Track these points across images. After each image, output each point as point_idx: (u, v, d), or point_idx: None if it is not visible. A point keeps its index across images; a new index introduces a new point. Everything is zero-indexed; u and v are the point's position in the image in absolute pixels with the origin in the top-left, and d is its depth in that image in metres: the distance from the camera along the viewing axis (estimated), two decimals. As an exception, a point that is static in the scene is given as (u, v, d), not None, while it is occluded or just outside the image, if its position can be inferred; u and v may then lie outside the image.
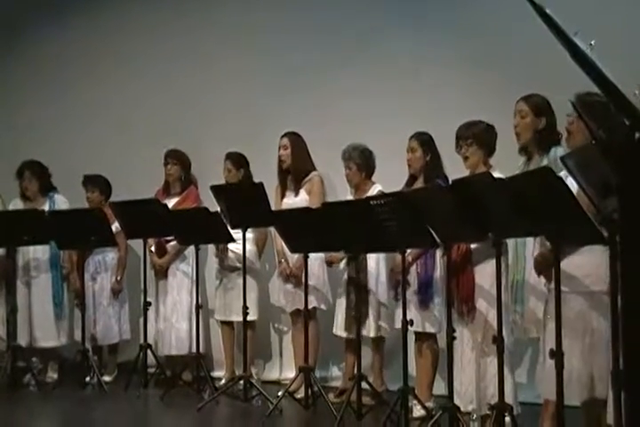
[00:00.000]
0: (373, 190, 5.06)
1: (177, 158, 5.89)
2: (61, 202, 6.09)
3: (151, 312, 5.72)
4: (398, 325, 4.37)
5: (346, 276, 5.06)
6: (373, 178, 5.17)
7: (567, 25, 2.04)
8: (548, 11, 2.00)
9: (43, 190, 6.10)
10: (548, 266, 3.27)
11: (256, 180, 5.35)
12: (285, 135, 5.48)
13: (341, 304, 5.10)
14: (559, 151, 3.87)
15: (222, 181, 5.64)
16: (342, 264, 5.15)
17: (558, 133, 3.97)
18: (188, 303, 5.68)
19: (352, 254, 4.79)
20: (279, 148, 5.47)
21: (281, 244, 5.25)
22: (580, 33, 1.97)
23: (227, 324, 5.70)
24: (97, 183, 6.07)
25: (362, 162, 5.10)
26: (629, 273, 2.10)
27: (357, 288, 4.81)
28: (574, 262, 3.29)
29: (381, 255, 5.01)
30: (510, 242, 3.97)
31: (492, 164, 4.10)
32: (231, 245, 5.49)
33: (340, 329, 5.11)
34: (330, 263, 5.22)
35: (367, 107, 5.61)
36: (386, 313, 5.01)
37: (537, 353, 4.19)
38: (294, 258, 5.29)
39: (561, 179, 2.76)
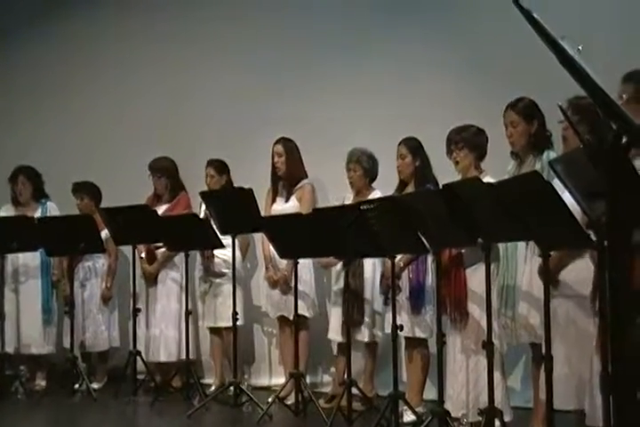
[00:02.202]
0: (373, 196, 5.05)
1: (160, 171, 5.85)
2: (53, 209, 6.06)
3: (141, 319, 5.70)
4: (388, 330, 4.36)
5: (341, 281, 5.05)
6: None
7: (555, 29, 2.04)
8: (535, 15, 2.00)
9: (36, 196, 6.07)
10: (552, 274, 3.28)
11: (241, 184, 5.33)
12: (279, 142, 5.45)
13: (337, 309, 5.09)
14: (551, 155, 3.88)
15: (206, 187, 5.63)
16: (338, 268, 5.12)
17: (549, 133, 3.97)
18: (177, 311, 5.66)
19: (347, 260, 4.78)
20: (273, 154, 5.45)
21: (269, 249, 5.24)
22: (568, 37, 1.97)
23: (215, 330, 5.68)
24: (86, 190, 6.05)
25: (369, 167, 5.07)
26: (617, 277, 2.10)
27: (351, 294, 4.80)
28: (568, 268, 3.30)
29: (377, 261, 4.97)
30: (501, 247, 3.97)
31: (483, 168, 4.11)
32: (216, 252, 5.48)
33: (335, 333, 5.07)
34: (326, 266, 5.21)
35: (357, 111, 5.62)
36: (380, 321, 4.99)
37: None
38: (283, 264, 5.28)
39: (549, 183, 2.76)
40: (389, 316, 4.41)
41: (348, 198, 5.19)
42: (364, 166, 5.06)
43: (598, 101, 2.16)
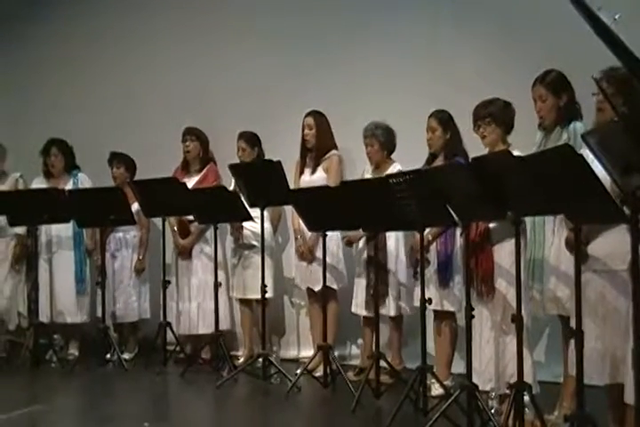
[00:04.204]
0: (393, 169, 5.02)
1: (195, 135, 5.88)
2: (85, 181, 6.12)
3: (172, 292, 5.74)
4: (417, 303, 4.36)
5: (365, 255, 5.05)
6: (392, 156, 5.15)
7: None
8: (570, -16, 1.95)
9: (67, 169, 6.13)
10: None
11: (271, 157, 5.32)
12: (310, 114, 5.43)
13: (361, 283, 5.10)
14: (578, 126, 3.82)
15: (237, 160, 5.63)
16: (361, 243, 5.13)
17: (578, 104, 3.91)
18: (213, 283, 5.68)
19: (371, 233, 4.78)
20: (303, 127, 5.43)
21: (298, 222, 5.24)
22: (604, 6, 1.92)
23: (245, 302, 5.72)
24: (123, 160, 6.11)
25: (385, 140, 5.07)
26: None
27: (376, 267, 4.80)
28: (598, 242, 3.25)
29: (400, 234, 5.00)
30: (529, 221, 3.93)
31: (510, 142, 4.05)
32: (246, 224, 5.49)
33: (359, 308, 5.10)
34: (349, 243, 5.20)
35: (385, 84, 5.56)
36: (405, 293, 5.01)
37: (555, 332, 4.18)
38: (309, 234, 5.28)
39: (581, 156, 2.71)
40: (418, 289, 4.41)
41: (367, 171, 5.19)
42: (379, 140, 5.06)
43: (635, 72, 2.11)
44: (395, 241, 4.98)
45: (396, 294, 4.97)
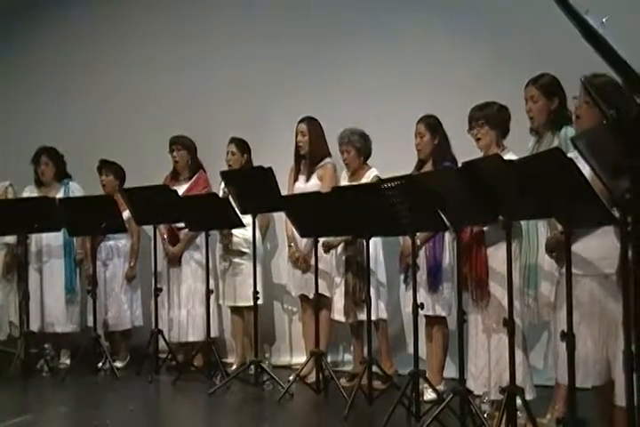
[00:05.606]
0: (370, 175, 5.07)
1: (182, 144, 5.88)
2: (76, 189, 6.11)
3: (164, 299, 5.73)
4: (408, 308, 4.36)
5: (343, 260, 5.05)
6: (376, 160, 5.16)
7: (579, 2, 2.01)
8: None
9: (58, 177, 6.12)
10: (560, 248, 3.24)
11: (262, 163, 5.32)
12: (303, 121, 5.42)
13: (339, 289, 5.09)
14: (569, 131, 3.84)
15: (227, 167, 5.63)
16: (340, 249, 5.12)
17: (569, 111, 3.94)
18: (203, 291, 5.68)
19: (354, 238, 4.78)
20: (296, 133, 5.43)
21: (291, 228, 5.24)
22: (592, 10, 1.94)
23: (235, 309, 5.71)
24: (112, 168, 6.10)
25: (361, 146, 5.11)
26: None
27: (359, 271, 4.79)
28: (588, 245, 3.25)
29: (378, 238, 4.98)
30: (523, 226, 3.94)
31: (505, 145, 4.07)
32: (235, 231, 5.49)
33: (338, 314, 5.10)
34: (327, 248, 5.14)
35: (379, 88, 5.57)
36: (385, 294, 5.02)
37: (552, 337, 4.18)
38: (303, 242, 5.28)
39: (571, 159, 2.73)
40: (408, 294, 4.41)
41: (344, 178, 5.22)
42: (355, 146, 5.10)
43: (622, 76, 2.13)
44: (373, 242, 4.94)
45: (377, 296, 4.94)
